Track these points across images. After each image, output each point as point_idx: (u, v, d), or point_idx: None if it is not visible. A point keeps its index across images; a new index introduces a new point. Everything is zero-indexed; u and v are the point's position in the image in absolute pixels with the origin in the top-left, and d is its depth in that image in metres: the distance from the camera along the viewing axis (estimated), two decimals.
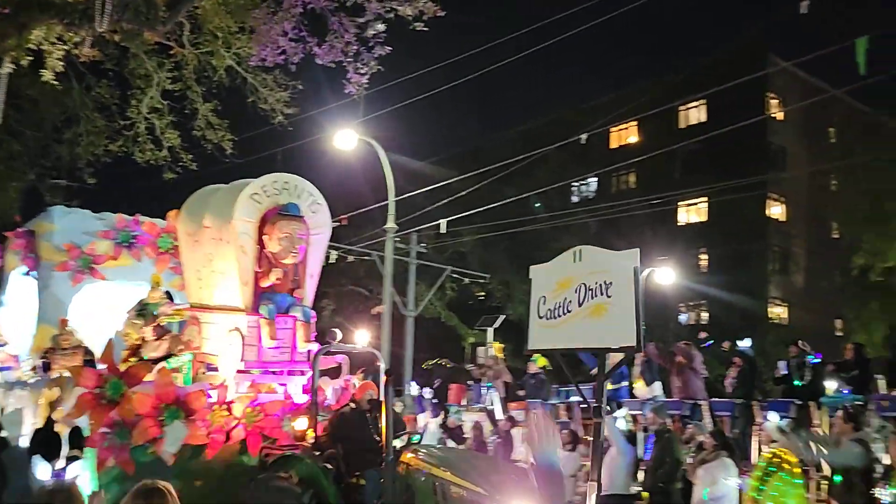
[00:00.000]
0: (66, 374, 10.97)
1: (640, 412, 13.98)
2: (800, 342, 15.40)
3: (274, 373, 10.22)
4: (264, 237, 10.08)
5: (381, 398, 8.37)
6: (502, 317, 31.93)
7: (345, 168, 32.95)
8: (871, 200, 38.58)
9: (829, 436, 10.56)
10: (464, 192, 27.65)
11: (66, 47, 13.62)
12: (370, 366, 10.60)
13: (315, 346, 10.20)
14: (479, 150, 44.71)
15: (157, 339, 10.46)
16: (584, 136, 31.02)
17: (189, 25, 15.61)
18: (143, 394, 9.55)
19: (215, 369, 10.25)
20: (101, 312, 13.38)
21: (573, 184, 48.69)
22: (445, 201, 28.44)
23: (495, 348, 25.87)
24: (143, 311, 10.63)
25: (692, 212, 47.16)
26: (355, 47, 14.47)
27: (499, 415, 16.55)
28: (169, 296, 11.85)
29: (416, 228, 29.57)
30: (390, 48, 14.39)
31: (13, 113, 20.58)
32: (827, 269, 44.30)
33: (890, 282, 37.82)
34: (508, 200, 28.91)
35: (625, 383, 15.83)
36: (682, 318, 46.32)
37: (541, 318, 7.43)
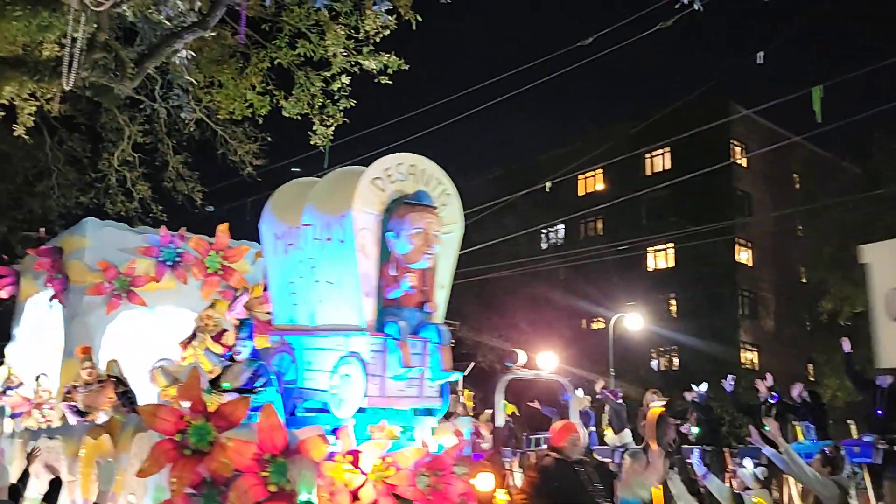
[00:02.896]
0: (119, 415, 8.12)
1: (611, 460, 13.23)
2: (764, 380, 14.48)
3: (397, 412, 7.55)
4: (388, 235, 7.43)
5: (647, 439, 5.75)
6: (472, 364, 30.47)
7: None
8: (836, 244, 37.82)
9: None
10: None
11: (37, 103, 13.16)
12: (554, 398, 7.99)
13: (454, 376, 7.52)
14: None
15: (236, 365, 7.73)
16: (548, 184, 29.57)
17: (160, 80, 15.46)
18: (242, 441, 6.77)
19: (323, 410, 7.51)
20: (137, 345, 10.59)
21: (542, 230, 46.97)
22: None
23: (465, 396, 24.25)
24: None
25: (661, 257, 45.56)
26: (321, 100, 14.48)
27: None
28: None
29: None
30: (355, 101, 14.38)
31: None
32: (796, 314, 43.07)
33: (858, 326, 36.83)
34: (478, 247, 27.67)
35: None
36: (653, 364, 44.73)
37: None
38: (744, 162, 42.81)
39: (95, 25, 10.63)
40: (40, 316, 11.32)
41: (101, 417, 9.05)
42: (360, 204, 7.41)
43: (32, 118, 14.20)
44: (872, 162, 35.63)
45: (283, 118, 15.57)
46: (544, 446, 13.65)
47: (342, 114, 14.55)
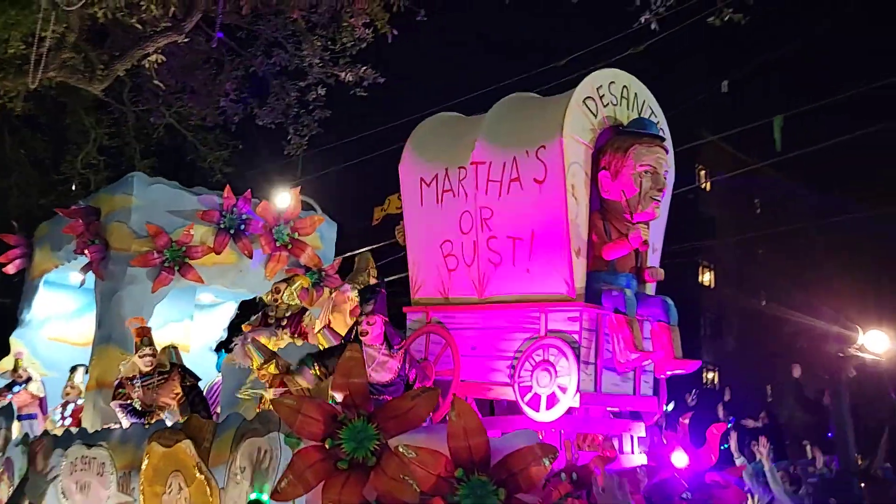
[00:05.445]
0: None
1: None
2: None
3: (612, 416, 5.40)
4: (604, 173, 5.27)
5: None
6: None
7: None
8: (794, 269, 37.33)
9: None
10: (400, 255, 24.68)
11: None
12: None
13: (691, 366, 5.36)
14: None
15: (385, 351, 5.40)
16: None
17: (129, 84, 14.83)
18: (427, 450, 4.50)
19: (516, 412, 5.30)
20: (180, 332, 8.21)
21: None
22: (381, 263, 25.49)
23: None
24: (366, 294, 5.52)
25: None
26: (295, 109, 14.06)
27: None
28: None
29: None
30: (330, 111, 13.96)
31: None
32: (758, 335, 42.16)
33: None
34: None
35: None
36: None
37: None
38: (707, 186, 41.77)
39: (65, 25, 9.97)
40: (60, 296, 8.80)
41: (167, 418, 6.58)
42: (571, 129, 5.21)
43: None
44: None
45: (256, 126, 15.00)
46: None
47: (317, 124, 14.04)
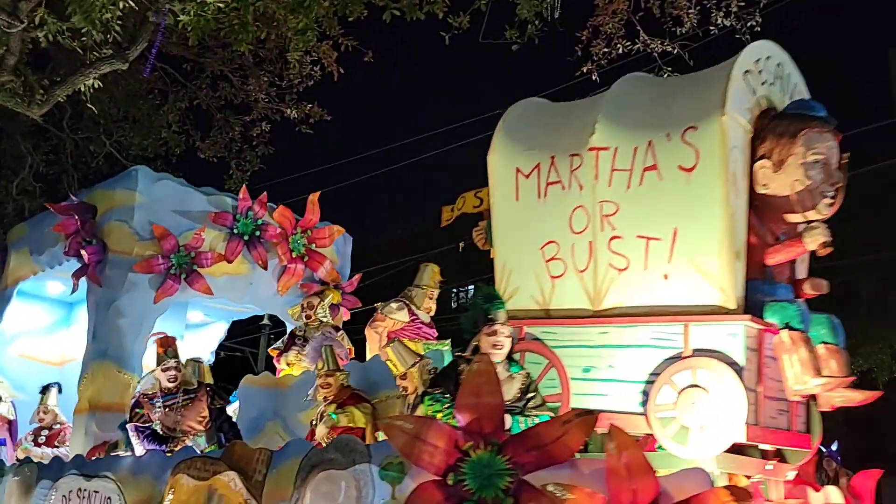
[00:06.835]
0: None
1: None
2: None
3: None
4: (762, 163, 4.30)
5: None
6: None
7: None
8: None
9: None
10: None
11: None
12: None
13: (865, 398, 4.38)
14: (365, 251, 39.81)
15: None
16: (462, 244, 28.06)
17: (70, 110, 14.14)
18: (582, 490, 3.38)
19: (649, 445, 4.24)
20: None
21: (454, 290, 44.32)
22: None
23: None
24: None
25: None
26: (239, 144, 13.64)
27: None
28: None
29: None
30: (273, 148, 13.59)
31: None
32: None
33: None
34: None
35: None
36: None
37: None
38: None
39: (5, 48, 9.25)
40: (35, 308, 7.42)
41: (191, 444, 5.23)
42: (732, 106, 4.23)
43: None
44: None
45: (197, 159, 14.46)
46: None
47: (259, 160, 13.52)
